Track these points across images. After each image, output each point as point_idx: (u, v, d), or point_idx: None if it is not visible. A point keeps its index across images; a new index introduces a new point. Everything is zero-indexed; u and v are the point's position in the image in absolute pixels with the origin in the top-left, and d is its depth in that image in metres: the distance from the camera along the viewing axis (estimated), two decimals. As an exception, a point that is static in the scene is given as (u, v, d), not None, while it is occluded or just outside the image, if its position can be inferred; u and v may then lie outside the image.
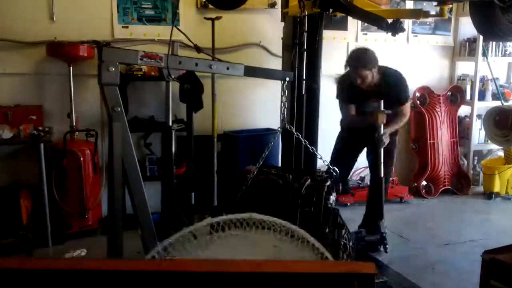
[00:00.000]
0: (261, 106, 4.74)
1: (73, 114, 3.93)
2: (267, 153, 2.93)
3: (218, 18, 4.16)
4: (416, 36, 5.38)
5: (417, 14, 3.69)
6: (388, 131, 3.75)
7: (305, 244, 1.36)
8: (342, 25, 4.96)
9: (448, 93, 5.48)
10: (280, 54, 3.98)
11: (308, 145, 2.97)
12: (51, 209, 3.72)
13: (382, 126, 3.67)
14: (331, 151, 4.03)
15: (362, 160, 5.31)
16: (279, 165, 3.77)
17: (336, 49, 4.98)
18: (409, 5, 5.22)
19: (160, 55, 2.74)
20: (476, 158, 5.66)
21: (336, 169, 2.84)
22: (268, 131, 4.60)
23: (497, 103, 5.21)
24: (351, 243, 2.62)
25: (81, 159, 3.83)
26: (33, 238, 3.63)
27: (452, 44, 5.59)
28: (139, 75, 4.10)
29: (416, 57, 5.43)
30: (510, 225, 4.40)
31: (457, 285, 3.22)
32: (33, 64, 4.04)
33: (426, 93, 5.37)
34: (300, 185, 2.72)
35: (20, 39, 3.95)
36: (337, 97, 4.03)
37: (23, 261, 1.04)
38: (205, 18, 4.20)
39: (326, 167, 2.86)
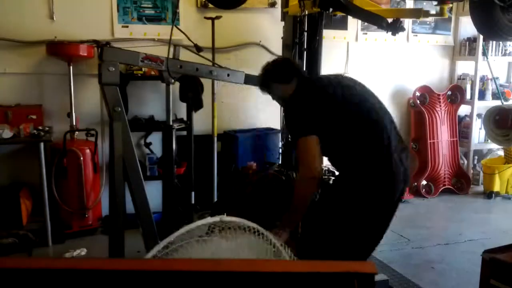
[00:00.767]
0: (261, 106, 4.74)
1: (73, 114, 3.93)
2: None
3: (218, 17, 4.16)
4: (416, 35, 5.38)
5: (417, 13, 3.68)
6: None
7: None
8: (342, 25, 4.96)
9: (448, 92, 5.48)
10: (280, 53, 3.98)
11: None
12: (51, 209, 3.72)
13: None
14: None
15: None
16: (279, 163, 3.78)
17: (336, 48, 4.99)
18: (409, 4, 5.23)
19: (161, 58, 2.75)
20: (476, 157, 5.66)
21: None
22: (268, 131, 4.60)
23: (497, 103, 5.21)
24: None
25: (81, 158, 3.83)
26: (33, 238, 3.63)
27: (452, 43, 5.59)
28: (139, 75, 4.10)
29: (416, 56, 5.43)
30: (510, 225, 4.40)
31: (457, 284, 3.22)
32: (33, 63, 4.03)
33: (426, 92, 5.36)
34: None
35: (20, 38, 3.94)
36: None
37: (23, 261, 1.04)
38: (205, 18, 4.20)
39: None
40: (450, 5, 4.98)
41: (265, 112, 4.70)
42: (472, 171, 5.59)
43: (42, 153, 3.59)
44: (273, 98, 2.53)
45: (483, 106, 5.36)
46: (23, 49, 3.98)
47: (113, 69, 2.57)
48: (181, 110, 4.30)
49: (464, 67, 5.64)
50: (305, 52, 3.60)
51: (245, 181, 2.97)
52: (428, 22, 5.40)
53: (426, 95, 5.36)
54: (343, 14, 3.62)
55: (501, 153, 5.57)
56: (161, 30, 4.30)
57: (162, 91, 4.32)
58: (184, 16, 4.36)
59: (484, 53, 5.31)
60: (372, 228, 2.26)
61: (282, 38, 3.86)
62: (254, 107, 4.77)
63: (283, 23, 3.86)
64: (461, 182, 5.46)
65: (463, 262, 3.54)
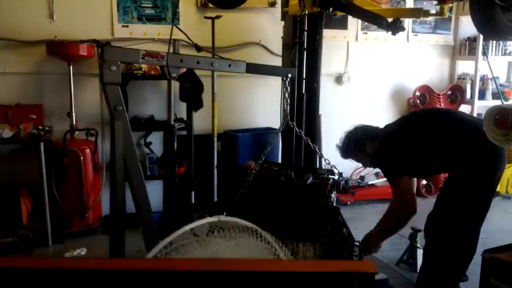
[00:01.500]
0: (261, 105, 4.74)
1: (73, 113, 3.93)
2: (269, 149, 2.93)
3: (218, 17, 4.16)
4: (416, 35, 5.38)
5: (417, 13, 3.68)
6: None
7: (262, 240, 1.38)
8: (342, 24, 4.96)
9: (448, 92, 5.48)
10: (280, 53, 3.99)
11: (310, 142, 2.97)
12: (51, 208, 3.72)
13: None
14: (331, 150, 3.98)
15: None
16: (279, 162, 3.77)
17: (336, 48, 4.99)
18: (409, 4, 5.23)
19: (161, 53, 2.74)
20: (476, 157, 5.65)
21: (338, 168, 2.84)
22: (268, 130, 4.60)
23: (497, 102, 5.21)
24: (351, 242, 2.63)
25: (81, 158, 3.83)
26: (33, 237, 3.63)
27: (452, 43, 5.59)
28: (139, 74, 4.10)
29: (416, 56, 5.43)
30: (510, 224, 4.40)
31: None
32: (33, 63, 4.03)
33: (426, 92, 5.36)
34: (302, 182, 2.73)
35: (20, 38, 3.94)
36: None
37: (23, 260, 1.04)
38: (205, 17, 4.21)
39: (328, 165, 2.86)
40: (450, 4, 4.98)
41: (265, 112, 4.70)
42: (472, 170, 5.58)
43: (42, 153, 3.59)
44: (358, 161, 3.01)
45: (483, 105, 5.36)
46: (23, 49, 3.98)
47: (115, 68, 2.57)
48: (181, 110, 4.30)
49: (464, 66, 5.64)
50: (305, 52, 3.60)
51: (243, 180, 2.96)
52: (428, 22, 5.40)
53: (426, 94, 5.36)
54: (343, 13, 3.62)
55: (501, 152, 5.56)
56: (161, 30, 4.30)
57: (162, 91, 4.33)
58: (184, 15, 4.36)
59: (484, 53, 5.31)
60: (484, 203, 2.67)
61: (282, 37, 3.86)
62: (254, 107, 4.77)
63: (283, 22, 3.86)
64: (461, 181, 5.45)
65: (463, 261, 3.53)
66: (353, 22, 5.02)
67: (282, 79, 3.08)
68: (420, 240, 3.41)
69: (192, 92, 4.07)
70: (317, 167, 3.69)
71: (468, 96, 5.44)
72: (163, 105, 4.28)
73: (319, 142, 4.02)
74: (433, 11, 3.70)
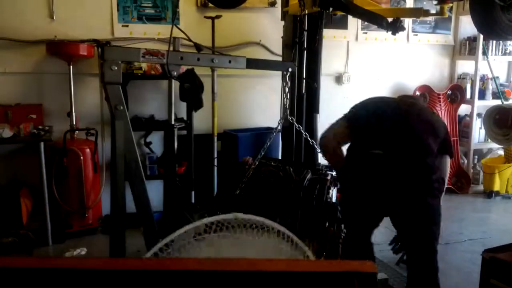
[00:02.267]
0: (261, 105, 4.74)
1: (73, 113, 3.93)
2: (269, 143, 2.93)
3: (218, 17, 4.16)
4: (416, 35, 5.38)
5: (417, 12, 3.69)
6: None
7: (290, 243, 1.36)
8: (342, 24, 4.96)
9: (448, 91, 5.48)
10: (281, 53, 3.98)
11: (309, 138, 2.97)
12: (51, 208, 3.72)
13: None
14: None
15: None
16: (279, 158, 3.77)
17: (336, 48, 4.99)
18: (410, 3, 5.23)
19: (161, 51, 2.75)
20: (476, 157, 5.66)
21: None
22: (268, 130, 4.59)
23: (497, 102, 5.21)
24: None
25: (81, 158, 3.83)
26: (33, 237, 3.63)
27: (452, 43, 5.59)
28: (139, 74, 4.10)
29: (416, 56, 5.43)
30: (510, 224, 4.40)
31: (457, 283, 3.22)
32: (33, 63, 4.03)
33: (426, 91, 5.36)
34: (301, 178, 2.73)
35: (20, 38, 3.94)
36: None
37: (23, 260, 1.04)
38: (205, 17, 4.21)
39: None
40: (450, 4, 4.98)
41: (265, 111, 4.70)
42: (472, 170, 5.59)
43: (42, 153, 3.59)
44: None
45: (483, 105, 5.36)
46: (23, 49, 3.98)
47: (115, 68, 2.57)
48: (181, 109, 4.30)
49: (464, 66, 5.64)
50: (305, 52, 3.60)
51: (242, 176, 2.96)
52: (428, 22, 5.40)
53: (426, 94, 5.36)
54: (343, 13, 3.62)
55: (501, 152, 5.57)
56: (161, 30, 4.29)
57: (162, 90, 4.33)
58: (184, 15, 4.36)
59: (484, 53, 5.30)
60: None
61: (282, 37, 3.86)
62: (254, 107, 4.77)
63: (283, 22, 3.86)
64: (461, 181, 5.46)
65: (463, 261, 3.54)
66: (353, 22, 5.01)
67: (282, 74, 3.07)
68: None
69: (192, 92, 4.08)
70: (317, 163, 3.69)
71: (468, 96, 5.44)
72: (163, 105, 4.28)
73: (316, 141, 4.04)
74: (433, 11, 3.70)
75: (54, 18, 4.01)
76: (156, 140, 4.44)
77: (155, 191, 4.02)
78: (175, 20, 4.17)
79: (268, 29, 4.62)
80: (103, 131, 4.20)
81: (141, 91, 4.35)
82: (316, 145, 3.09)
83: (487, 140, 5.37)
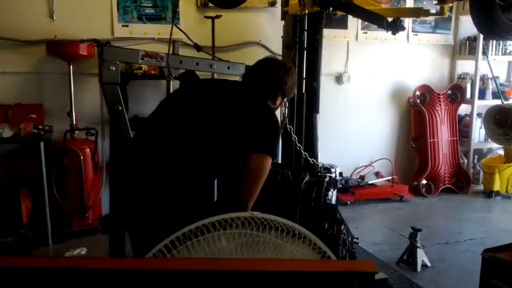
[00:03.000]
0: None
1: (73, 113, 3.93)
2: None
3: (218, 16, 4.16)
4: (416, 34, 5.38)
5: (417, 12, 3.68)
6: None
7: (306, 244, 1.35)
8: (342, 24, 4.96)
9: (448, 91, 5.48)
10: (281, 52, 3.98)
11: (297, 142, 2.96)
12: (51, 208, 3.72)
13: None
14: (332, 149, 3.96)
15: (362, 157, 5.33)
16: (279, 162, 3.77)
17: (336, 48, 4.99)
18: (410, 3, 5.23)
19: (161, 54, 2.75)
20: (476, 156, 5.66)
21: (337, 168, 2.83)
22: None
23: (497, 102, 5.21)
24: (350, 239, 2.62)
25: (81, 157, 3.83)
26: (33, 237, 3.63)
27: (452, 42, 5.59)
28: (139, 74, 4.10)
29: (416, 55, 5.43)
30: (510, 224, 4.40)
31: (457, 283, 3.22)
32: (33, 62, 4.03)
33: (426, 91, 5.36)
34: (299, 180, 2.72)
35: (20, 37, 3.94)
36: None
37: (23, 260, 1.04)
38: (205, 17, 4.20)
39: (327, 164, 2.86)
40: (450, 4, 4.99)
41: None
42: (472, 170, 5.59)
43: (42, 153, 3.59)
44: None
45: (483, 105, 5.36)
46: (23, 48, 3.98)
47: (114, 68, 2.58)
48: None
49: (464, 66, 5.64)
50: (305, 52, 3.59)
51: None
52: (428, 21, 5.40)
53: (426, 94, 5.36)
54: (343, 13, 3.62)
55: (501, 152, 5.57)
56: (161, 29, 4.29)
57: (162, 90, 4.32)
58: (184, 15, 4.36)
59: (484, 52, 5.30)
60: None
61: (282, 37, 3.86)
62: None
63: (283, 22, 3.86)
64: (461, 181, 5.46)
65: (463, 261, 3.54)
66: (353, 22, 5.01)
67: None
68: (420, 240, 3.41)
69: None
70: (315, 165, 3.69)
71: (468, 95, 5.44)
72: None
73: (316, 141, 4.04)
74: (433, 11, 3.70)
75: (54, 17, 4.01)
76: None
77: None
78: (175, 20, 4.17)
79: (268, 29, 4.62)
80: (103, 131, 4.20)
81: (141, 91, 4.35)
82: (302, 149, 3.09)
83: (487, 140, 5.36)
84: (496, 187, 5.23)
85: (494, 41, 5.42)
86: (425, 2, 5.18)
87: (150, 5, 4.30)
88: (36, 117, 3.93)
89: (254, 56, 4.59)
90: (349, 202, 4.86)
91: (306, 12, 3.31)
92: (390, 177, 5.26)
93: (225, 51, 4.51)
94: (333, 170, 2.78)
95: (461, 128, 5.60)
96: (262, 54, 4.65)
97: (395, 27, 3.06)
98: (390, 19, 3.10)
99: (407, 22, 5.20)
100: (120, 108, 2.64)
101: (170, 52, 2.93)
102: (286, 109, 3.05)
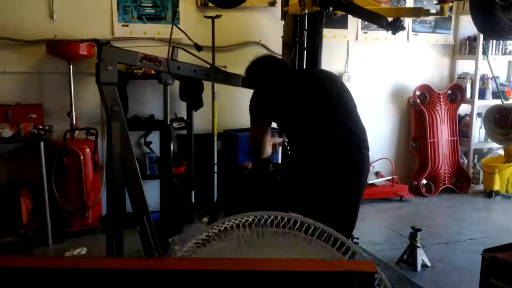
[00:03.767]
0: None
1: (73, 113, 3.93)
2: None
3: (218, 16, 4.16)
4: (417, 34, 5.38)
5: (417, 12, 3.68)
6: None
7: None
8: (342, 24, 4.96)
9: (448, 91, 5.48)
10: (281, 52, 3.97)
11: (287, 144, 2.96)
12: (51, 208, 3.73)
13: None
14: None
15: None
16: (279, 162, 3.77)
17: (336, 47, 4.99)
18: (410, 3, 5.23)
19: (159, 58, 2.74)
20: (476, 156, 5.66)
21: None
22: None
23: (497, 102, 5.21)
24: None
25: (81, 157, 3.83)
26: (33, 237, 3.63)
27: (452, 42, 5.59)
28: (139, 74, 4.10)
29: (416, 55, 5.43)
30: (510, 224, 4.41)
31: (457, 283, 3.22)
32: (33, 62, 4.03)
33: (426, 91, 5.36)
34: None
35: (20, 37, 3.94)
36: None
37: (23, 260, 1.04)
38: (205, 17, 4.20)
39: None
40: (450, 4, 4.98)
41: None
42: (472, 170, 5.60)
43: (42, 152, 3.59)
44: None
45: (483, 105, 5.36)
46: (23, 48, 3.98)
47: (111, 68, 2.56)
48: (182, 109, 4.30)
49: (464, 66, 5.64)
50: (305, 51, 3.59)
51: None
52: (428, 21, 5.40)
53: (426, 94, 5.36)
54: (343, 13, 3.61)
55: (501, 152, 5.57)
56: (161, 29, 4.29)
57: (162, 90, 4.31)
58: (184, 15, 4.36)
59: (484, 52, 5.31)
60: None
61: (282, 37, 3.86)
62: (254, 106, 4.77)
63: (283, 22, 3.86)
64: (461, 181, 5.47)
65: (463, 261, 3.54)
66: (353, 22, 5.01)
67: None
68: (420, 240, 3.41)
69: (192, 92, 4.07)
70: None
71: (468, 95, 5.44)
72: (163, 105, 4.28)
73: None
74: (433, 11, 3.69)
75: (54, 17, 4.01)
76: (156, 139, 4.43)
77: (155, 190, 4.01)
78: (175, 19, 4.17)
79: (268, 28, 4.62)
80: (103, 130, 4.20)
81: (141, 91, 4.35)
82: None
83: (487, 139, 5.37)
84: (496, 187, 5.23)
85: (494, 41, 5.42)
86: (425, 2, 5.18)
87: (150, 5, 4.30)
88: (36, 117, 3.94)
89: (254, 56, 4.62)
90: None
91: (306, 12, 3.31)
92: (390, 177, 5.26)
93: (225, 51, 4.51)
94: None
95: (461, 128, 5.60)
96: (262, 54, 4.64)
97: (395, 27, 3.06)
98: (390, 19, 3.10)
99: (407, 22, 5.20)
100: (117, 108, 2.63)
101: (170, 55, 2.92)
102: None
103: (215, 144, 4.40)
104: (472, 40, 5.41)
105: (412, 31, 5.35)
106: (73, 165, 3.82)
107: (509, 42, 5.54)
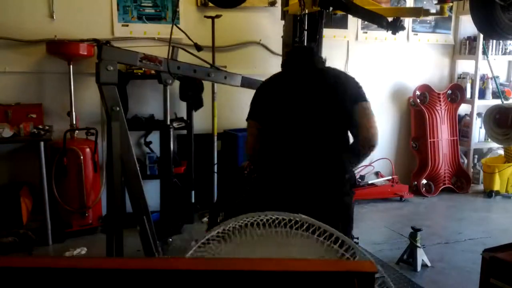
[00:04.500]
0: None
1: (73, 113, 3.93)
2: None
3: (218, 16, 4.16)
4: (417, 34, 5.38)
5: (417, 12, 3.68)
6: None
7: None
8: (342, 24, 4.96)
9: (448, 91, 5.48)
10: (280, 52, 3.98)
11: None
12: (51, 208, 3.72)
13: None
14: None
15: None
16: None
17: (336, 47, 4.99)
18: (410, 3, 5.23)
19: (159, 58, 2.74)
20: (476, 156, 5.66)
21: None
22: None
23: (497, 102, 5.21)
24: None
25: (81, 157, 3.83)
26: (33, 237, 3.63)
27: (452, 42, 5.59)
28: (139, 74, 4.10)
29: (416, 55, 5.43)
30: (510, 224, 4.40)
31: (457, 283, 3.22)
32: (33, 62, 4.03)
33: (426, 91, 5.36)
34: None
35: (20, 37, 3.94)
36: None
37: (23, 260, 1.04)
38: (205, 17, 4.21)
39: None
40: (450, 4, 4.98)
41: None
42: (472, 170, 5.59)
43: (42, 152, 3.59)
44: None
45: (483, 105, 5.36)
46: (23, 48, 3.98)
47: (112, 68, 2.57)
48: (182, 109, 4.30)
49: (464, 66, 5.64)
50: (305, 51, 3.59)
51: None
52: (428, 21, 5.40)
53: (426, 94, 5.36)
54: (343, 13, 3.62)
55: (501, 152, 5.57)
56: (161, 29, 4.29)
57: (162, 90, 4.31)
58: (184, 15, 4.36)
59: (484, 52, 5.31)
60: None
61: (282, 37, 3.86)
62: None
63: (283, 22, 3.86)
64: (461, 181, 5.46)
65: (463, 261, 3.54)
66: (353, 22, 5.01)
67: None
68: (420, 240, 3.41)
69: (192, 92, 4.07)
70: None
71: (468, 95, 5.44)
72: (163, 105, 4.28)
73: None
74: (433, 11, 3.70)
75: (54, 17, 4.01)
76: (156, 139, 4.43)
77: (155, 190, 4.01)
78: (175, 19, 4.17)
79: (268, 28, 4.62)
80: (103, 130, 4.20)
81: (142, 91, 4.35)
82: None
83: (487, 139, 5.36)
84: (496, 187, 5.23)
85: (494, 41, 5.42)
86: (425, 2, 5.18)
87: (150, 4, 4.30)
88: (36, 117, 3.93)
89: (254, 55, 4.63)
90: (349, 202, 4.86)
91: (306, 12, 3.31)
92: (390, 177, 5.25)
93: (225, 51, 4.51)
94: None
95: (461, 128, 5.60)
96: (262, 54, 4.66)
97: (395, 27, 3.06)
98: (390, 19, 3.10)
99: (407, 22, 5.20)
100: (117, 108, 2.63)
101: (170, 55, 2.92)
102: None
103: (215, 144, 4.40)
104: (472, 40, 5.41)
105: (412, 31, 5.35)
106: (73, 165, 3.82)
107: (509, 42, 5.53)
